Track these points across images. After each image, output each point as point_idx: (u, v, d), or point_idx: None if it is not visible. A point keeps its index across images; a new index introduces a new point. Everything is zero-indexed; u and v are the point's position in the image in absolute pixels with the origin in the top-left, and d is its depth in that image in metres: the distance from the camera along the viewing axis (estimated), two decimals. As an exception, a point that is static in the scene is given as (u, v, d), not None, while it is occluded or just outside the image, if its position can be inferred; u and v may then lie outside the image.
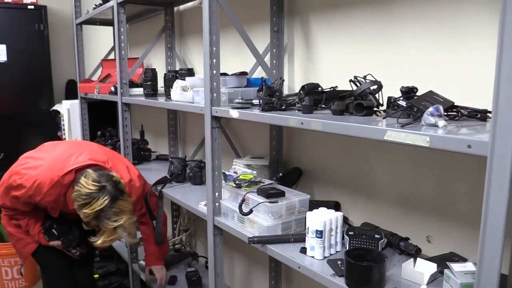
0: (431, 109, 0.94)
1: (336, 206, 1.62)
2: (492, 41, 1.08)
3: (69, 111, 3.36)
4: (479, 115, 1.04)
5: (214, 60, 1.55)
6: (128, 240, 1.89)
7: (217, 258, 1.69)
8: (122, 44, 2.37)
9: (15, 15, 4.03)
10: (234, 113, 1.44)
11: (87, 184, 1.64)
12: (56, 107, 3.97)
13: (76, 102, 3.34)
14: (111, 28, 3.52)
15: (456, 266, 1.03)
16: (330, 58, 1.62)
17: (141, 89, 2.49)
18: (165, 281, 2.19)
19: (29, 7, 4.07)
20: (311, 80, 1.69)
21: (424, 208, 1.35)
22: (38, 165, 1.74)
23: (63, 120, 3.91)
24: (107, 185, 1.65)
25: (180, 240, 2.68)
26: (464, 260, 1.16)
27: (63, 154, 1.79)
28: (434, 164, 1.30)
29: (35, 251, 1.99)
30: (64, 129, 3.94)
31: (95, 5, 3.01)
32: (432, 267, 1.12)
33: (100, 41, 3.92)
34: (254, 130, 2.03)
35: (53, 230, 1.91)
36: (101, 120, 3.36)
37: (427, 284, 1.09)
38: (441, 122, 0.93)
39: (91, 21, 3.21)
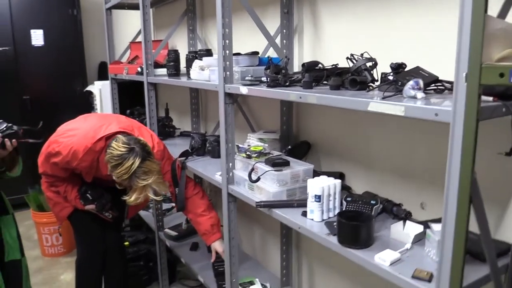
0: (411, 82, 1.04)
1: (340, 177, 1.73)
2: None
3: (101, 91, 3.58)
4: (462, 89, 1.12)
5: (227, 41, 1.67)
6: (155, 198, 1.98)
7: (231, 223, 1.85)
8: (147, 27, 2.53)
9: (50, 1, 4.26)
10: (244, 90, 1.57)
11: (118, 146, 1.85)
12: (89, 87, 4.21)
13: (107, 83, 3.55)
14: (138, 12, 3.69)
15: (436, 226, 1.13)
16: (337, 37, 1.71)
17: (160, 69, 2.66)
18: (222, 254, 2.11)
19: (62, -7, 4.30)
20: (319, 58, 1.78)
21: (418, 177, 1.45)
22: (73, 134, 1.96)
23: (95, 100, 4.16)
24: (135, 147, 1.85)
25: (203, 211, 2.87)
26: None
27: (95, 125, 2.00)
28: (427, 136, 1.39)
29: (71, 215, 2.22)
30: (96, 109, 4.20)
31: (123, -10, 3.18)
32: (418, 228, 1.23)
33: (129, 25, 4.10)
34: (268, 106, 2.16)
35: (88, 195, 2.13)
36: (130, 99, 3.55)
37: (412, 243, 1.21)
38: (420, 94, 1.03)
39: (120, 6, 3.38)
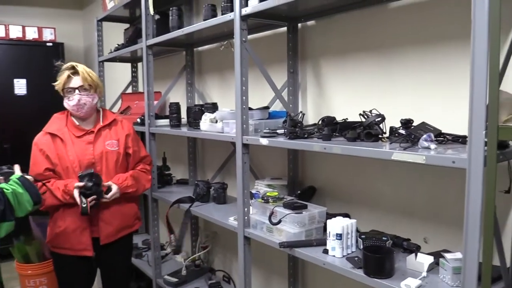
0: (424, 136, 1.28)
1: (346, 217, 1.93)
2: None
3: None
4: (460, 140, 1.37)
5: (244, 98, 1.88)
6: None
7: (247, 264, 1.97)
8: (150, 80, 2.70)
9: (35, 52, 4.35)
10: (264, 141, 1.77)
11: None
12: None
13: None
14: (125, 64, 3.87)
15: (449, 255, 1.34)
16: (337, 95, 1.97)
17: (161, 120, 2.83)
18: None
19: (47, 44, 4.41)
20: (322, 114, 2.02)
21: (420, 215, 1.67)
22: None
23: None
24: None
25: (199, 257, 2.94)
26: (454, 253, 1.48)
27: None
28: (426, 179, 1.63)
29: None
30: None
31: (118, 45, 3.36)
32: (430, 259, 1.44)
33: (115, 76, 4.24)
34: (269, 155, 2.35)
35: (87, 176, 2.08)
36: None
37: (426, 271, 1.40)
38: (433, 145, 1.26)
39: (111, 59, 3.55)
